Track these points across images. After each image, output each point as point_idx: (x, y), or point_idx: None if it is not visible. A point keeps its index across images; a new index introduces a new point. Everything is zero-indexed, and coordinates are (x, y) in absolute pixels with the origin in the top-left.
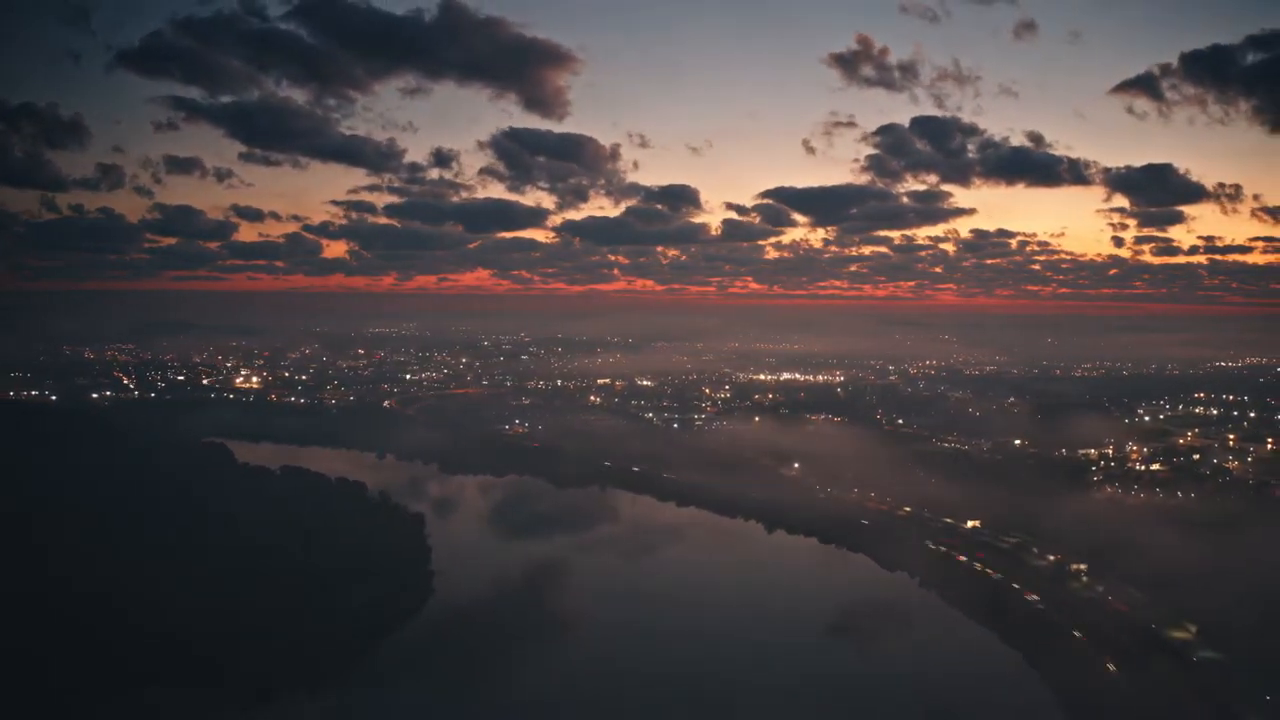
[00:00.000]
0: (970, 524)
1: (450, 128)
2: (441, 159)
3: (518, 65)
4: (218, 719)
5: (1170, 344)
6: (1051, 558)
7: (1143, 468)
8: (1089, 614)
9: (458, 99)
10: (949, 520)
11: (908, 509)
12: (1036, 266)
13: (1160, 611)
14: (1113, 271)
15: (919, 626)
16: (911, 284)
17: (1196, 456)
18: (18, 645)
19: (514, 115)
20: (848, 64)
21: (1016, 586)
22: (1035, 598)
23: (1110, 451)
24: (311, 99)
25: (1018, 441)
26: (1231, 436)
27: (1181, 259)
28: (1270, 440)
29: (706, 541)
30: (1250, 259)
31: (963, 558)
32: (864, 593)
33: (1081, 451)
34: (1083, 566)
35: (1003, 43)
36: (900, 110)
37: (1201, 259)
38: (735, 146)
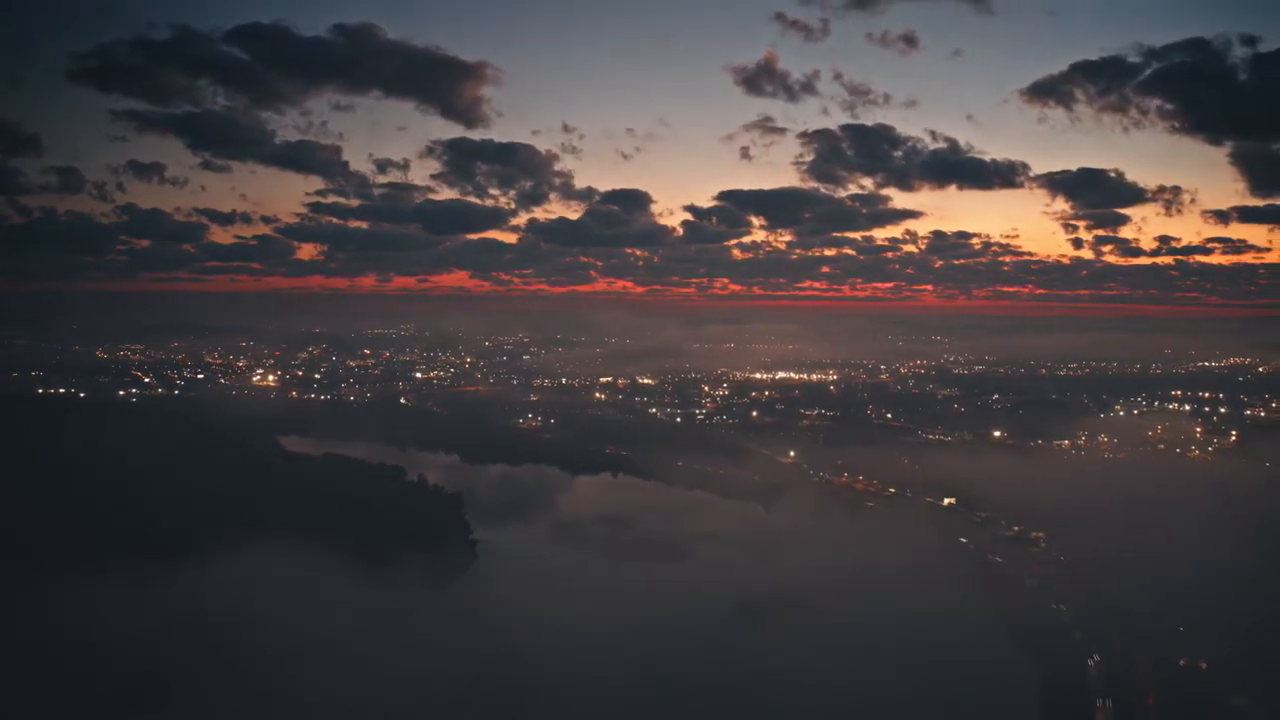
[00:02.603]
0: (947, 501)
1: (381, 138)
2: (384, 167)
3: (432, 80)
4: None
5: (1157, 345)
6: (1016, 528)
7: (1109, 456)
8: (1047, 574)
9: (383, 111)
10: (929, 499)
11: (893, 490)
12: (1007, 268)
13: (1107, 571)
14: (1084, 273)
15: (901, 586)
16: (890, 285)
17: (1161, 446)
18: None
19: (440, 126)
20: (751, 77)
21: (983, 550)
22: (999, 560)
23: (1083, 441)
24: (244, 111)
25: (997, 433)
26: (1198, 429)
27: (1146, 260)
28: (1234, 433)
29: (712, 519)
30: (1213, 260)
31: (939, 530)
32: (856, 561)
33: (1055, 442)
34: (1040, 534)
35: (892, 56)
36: (810, 118)
37: (1168, 260)
38: (662, 152)
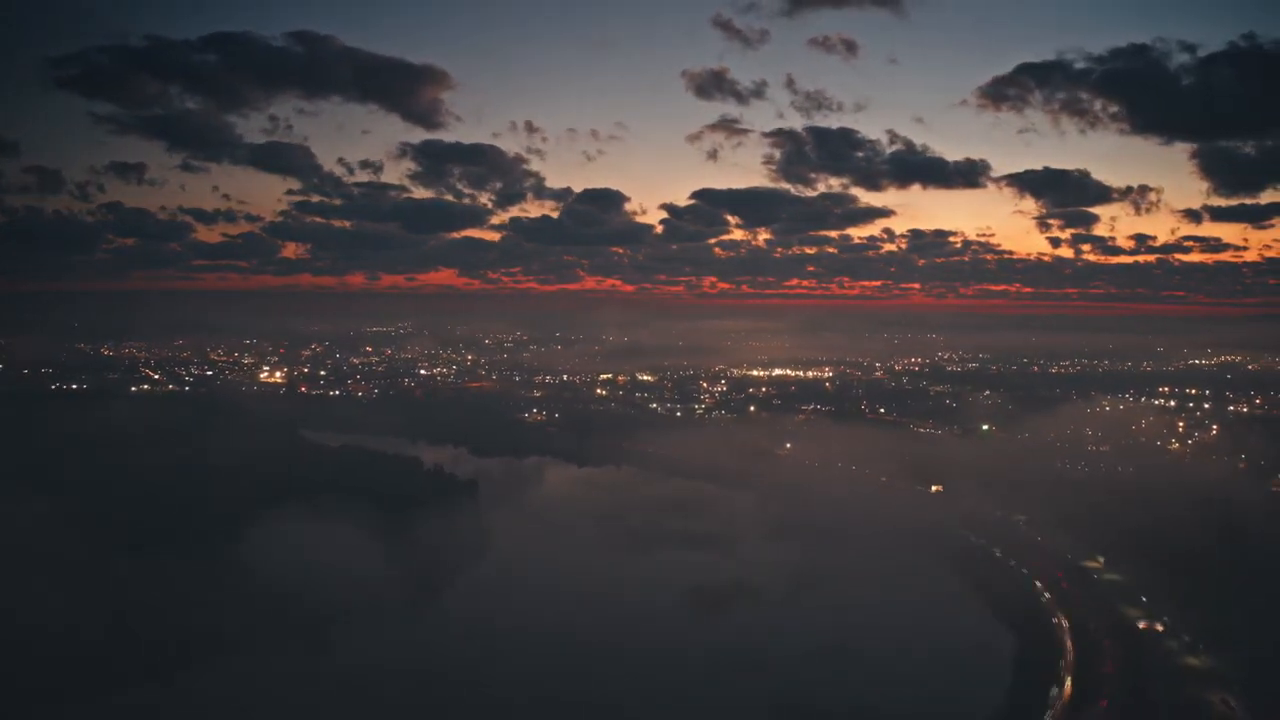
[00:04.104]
0: (935, 488)
1: (347, 141)
2: (353, 168)
3: (389, 85)
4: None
5: (1148, 344)
6: (999, 513)
7: (1093, 448)
8: (1024, 552)
9: (347, 114)
10: (918, 487)
11: (884, 479)
12: (991, 266)
13: (1080, 549)
14: (1068, 272)
15: (896, 564)
16: (877, 284)
17: (1143, 440)
18: None
19: (403, 129)
20: (704, 84)
21: (967, 533)
22: (983, 541)
23: (1068, 434)
24: (212, 114)
25: (986, 427)
26: (1181, 424)
27: (1127, 259)
28: (1215, 427)
29: (712, 507)
30: (1193, 258)
31: (927, 514)
32: (852, 541)
33: (1042, 435)
34: (1022, 518)
35: (836, 62)
36: (767, 121)
37: (1149, 259)
38: (627, 153)
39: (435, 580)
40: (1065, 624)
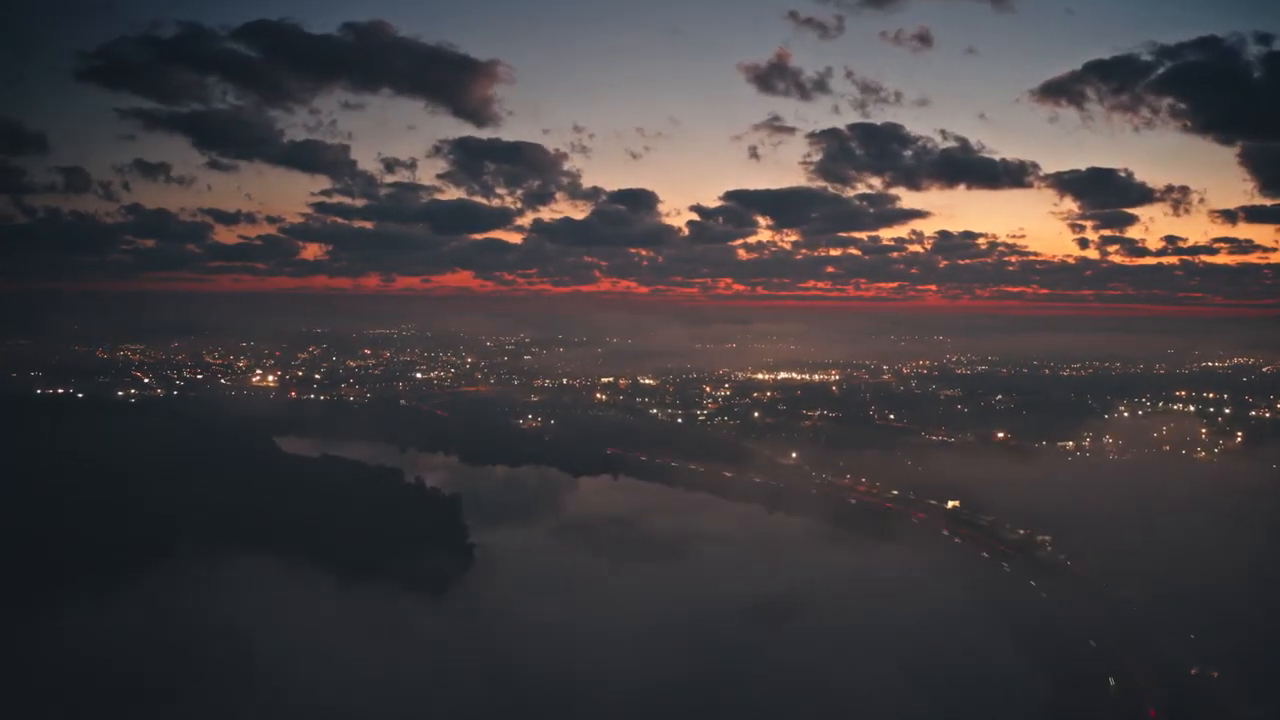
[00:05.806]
0: (951, 504)
1: (390, 137)
2: (391, 166)
3: (443, 79)
4: None
5: (1160, 345)
6: (1021, 532)
7: (1115, 458)
8: (1047, 573)
9: (393, 109)
10: (933, 502)
11: (895, 493)
12: (1013, 268)
13: (1114, 576)
14: (1088, 273)
15: (905, 590)
16: (893, 285)
17: (1166, 448)
18: None
19: (450, 125)
20: (763, 75)
21: (988, 555)
22: (1004, 564)
23: (1087, 443)
24: (256, 110)
25: (1000, 435)
26: (1204, 431)
27: (1151, 260)
28: (1240, 434)
29: (713, 521)
30: (1218, 260)
31: (944, 532)
32: (862, 563)
33: (1059, 443)
34: (1047, 538)
35: (905, 54)
36: (821, 117)
37: (1173, 260)
38: (671, 151)
39: (404, 609)
40: (1102, 665)
